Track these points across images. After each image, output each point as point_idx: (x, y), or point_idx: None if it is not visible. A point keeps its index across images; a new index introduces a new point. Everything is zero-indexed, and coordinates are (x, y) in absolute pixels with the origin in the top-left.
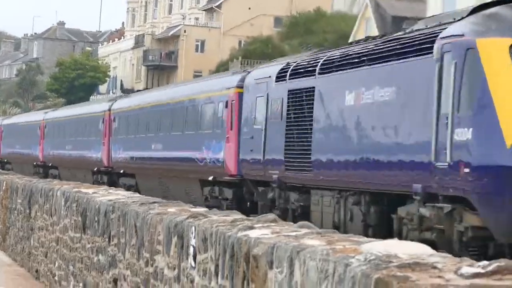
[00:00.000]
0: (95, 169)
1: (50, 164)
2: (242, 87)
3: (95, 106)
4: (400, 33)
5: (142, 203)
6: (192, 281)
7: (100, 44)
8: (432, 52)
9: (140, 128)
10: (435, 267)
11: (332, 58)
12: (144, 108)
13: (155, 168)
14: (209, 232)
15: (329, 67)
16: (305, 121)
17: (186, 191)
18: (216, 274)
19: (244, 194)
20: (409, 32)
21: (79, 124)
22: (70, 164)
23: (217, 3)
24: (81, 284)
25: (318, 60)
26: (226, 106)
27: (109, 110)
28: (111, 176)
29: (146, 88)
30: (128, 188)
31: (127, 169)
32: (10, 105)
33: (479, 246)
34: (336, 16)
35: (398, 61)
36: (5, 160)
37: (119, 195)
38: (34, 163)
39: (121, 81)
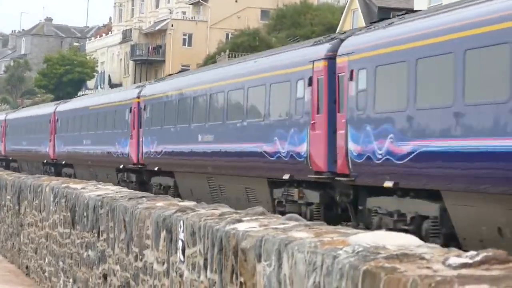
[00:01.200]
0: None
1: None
2: None
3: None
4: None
5: (130, 198)
6: (181, 275)
7: (87, 40)
8: None
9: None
10: (423, 258)
11: None
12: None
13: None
14: (197, 226)
15: None
16: None
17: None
18: (205, 268)
19: None
20: None
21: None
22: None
23: None
24: (71, 280)
25: None
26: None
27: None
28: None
29: (134, 83)
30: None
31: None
32: None
33: None
34: (322, 7)
35: None
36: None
37: (108, 190)
38: (44, 161)
39: (109, 76)
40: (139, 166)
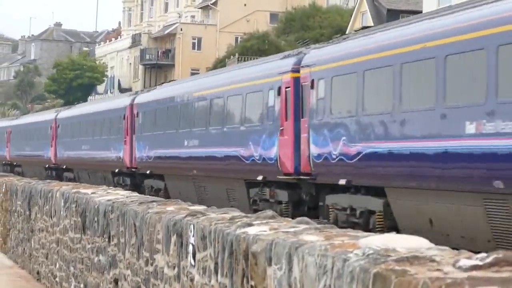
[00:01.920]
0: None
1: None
2: None
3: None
4: None
5: (141, 202)
6: (192, 280)
7: (97, 44)
8: None
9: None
10: (433, 260)
11: None
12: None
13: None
14: (208, 230)
15: None
16: None
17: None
18: (216, 272)
19: None
20: None
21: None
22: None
23: (213, 1)
24: (82, 285)
25: None
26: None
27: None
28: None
29: (144, 87)
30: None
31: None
32: (9, 107)
33: None
34: (331, 10)
35: None
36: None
37: (118, 194)
38: (46, 166)
39: (119, 80)
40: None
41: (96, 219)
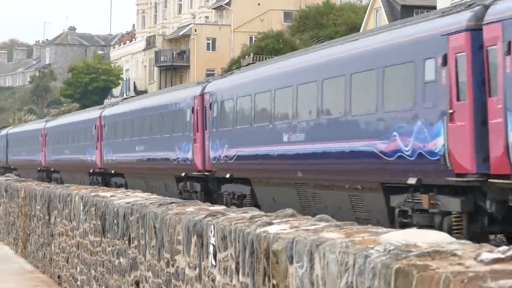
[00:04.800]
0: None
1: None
2: None
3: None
4: None
5: (160, 204)
6: (213, 280)
7: (111, 47)
8: None
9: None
10: (454, 255)
11: None
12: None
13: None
14: (228, 230)
15: None
16: None
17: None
18: (237, 272)
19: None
20: None
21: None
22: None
23: (226, 1)
24: None
25: None
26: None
27: (201, 94)
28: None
29: (160, 89)
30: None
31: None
32: (25, 113)
33: None
34: (345, 7)
35: None
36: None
37: (137, 197)
38: (90, 171)
39: (134, 83)
40: (206, 173)
41: (115, 221)
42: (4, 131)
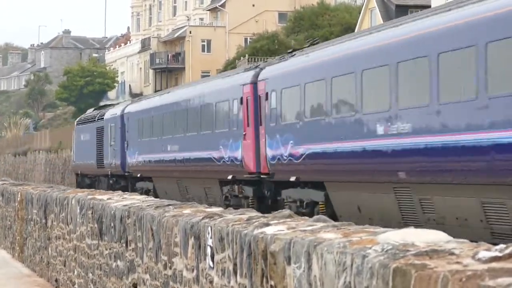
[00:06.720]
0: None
1: (139, 175)
2: None
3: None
4: None
5: (157, 206)
6: (211, 282)
7: (106, 50)
8: None
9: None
10: (452, 253)
11: None
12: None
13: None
14: (225, 232)
15: None
16: None
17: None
18: (235, 273)
19: None
20: None
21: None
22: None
23: (221, 2)
24: None
25: None
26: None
27: (253, 82)
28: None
29: (155, 92)
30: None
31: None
32: (21, 116)
33: None
34: (340, 8)
35: None
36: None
37: (134, 199)
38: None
39: (130, 85)
40: (261, 175)
41: (112, 224)
42: None
